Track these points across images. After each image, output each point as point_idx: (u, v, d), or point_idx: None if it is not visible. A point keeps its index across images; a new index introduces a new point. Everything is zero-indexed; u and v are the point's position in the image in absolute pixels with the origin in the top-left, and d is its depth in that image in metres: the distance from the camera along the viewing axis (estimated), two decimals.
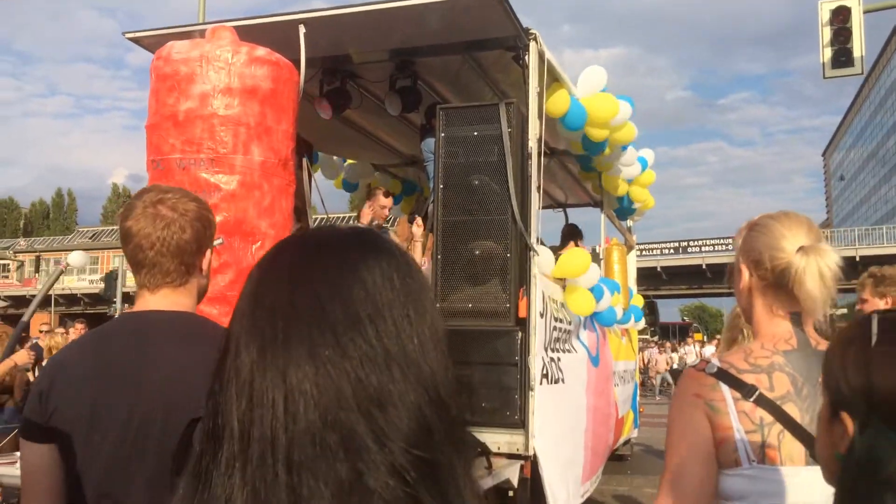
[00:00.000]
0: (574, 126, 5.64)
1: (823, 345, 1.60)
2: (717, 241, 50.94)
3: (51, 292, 51.25)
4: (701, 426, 1.53)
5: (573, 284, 5.45)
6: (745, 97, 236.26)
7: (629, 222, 9.25)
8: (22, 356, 6.03)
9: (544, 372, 4.91)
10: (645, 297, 9.94)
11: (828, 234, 53.88)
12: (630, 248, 9.06)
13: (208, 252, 1.72)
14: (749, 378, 1.54)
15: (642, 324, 8.79)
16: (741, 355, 1.62)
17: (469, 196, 4.94)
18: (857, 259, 43.86)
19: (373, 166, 8.15)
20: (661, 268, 47.34)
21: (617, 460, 9.18)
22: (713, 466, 1.53)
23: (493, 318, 4.83)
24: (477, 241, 4.92)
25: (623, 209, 8.18)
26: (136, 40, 4.88)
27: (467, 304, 4.89)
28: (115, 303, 21.33)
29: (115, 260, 56.28)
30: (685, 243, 52.94)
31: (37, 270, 60.74)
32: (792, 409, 1.52)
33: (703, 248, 51.09)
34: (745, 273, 1.67)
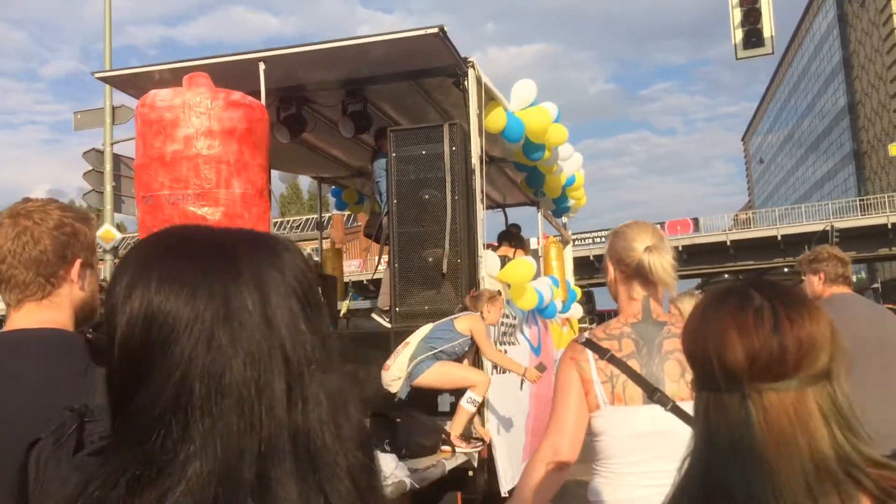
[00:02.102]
0: (513, 138, 6.22)
1: (664, 317, 2.18)
2: None
3: None
4: (574, 380, 2.11)
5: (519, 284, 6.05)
6: (666, 87, 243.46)
7: (564, 219, 9.92)
8: None
9: (493, 364, 5.48)
10: (581, 286, 10.65)
11: (750, 216, 56.16)
12: (566, 243, 9.74)
13: (77, 263, 1.60)
14: (605, 344, 2.11)
15: (581, 312, 9.47)
16: (602, 328, 2.20)
17: (420, 209, 5.49)
18: (779, 238, 45.83)
19: (318, 178, 8.64)
20: (594, 256, 48.20)
21: None
22: (584, 410, 2.09)
23: (447, 317, 5.39)
24: (429, 250, 5.47)
25: (559, 208, 8.85)
26: (104, 79, 5.26)
27: (424, 306, 5.44)
28: None
29: None
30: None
31: None
32: (634, 364, 2.06)
33: None
34: (611, 268, 2.25)
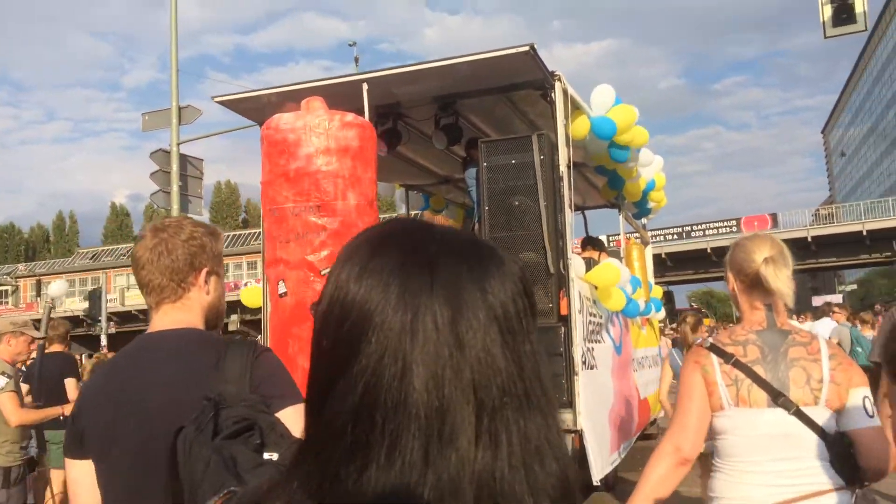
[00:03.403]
0: (605, 136, 6.44)
1: (787, 326, 2.28)
2: (721, 224, 49.81)
3: (53, 315, 48.11)
4: (698, 383, 2.25)
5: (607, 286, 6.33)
6: (739, 81, 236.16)
7: (644, 220, 10.09)
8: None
9: (583, 360, 5.77)
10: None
11: (833, 211, 54.17)
12: (646, 244, 9.91)
13: (204, 271, 1.81)
14: (730, 349, 2.23)
15: (662, 314, 9.61)
16: (727, 334, 2.33)
17: (510, 215, 5.83)
18: (865, 233, 43.97)
19: (406, 186, 9.08)
20: (666, 254, 45.36)
21: (644, 440, 9.92)
22: (706, 410, 2.23)
23: (538, 316, 5.69)
24: (519, 253, 5.80)
25: (640, 211, 9.04)
26: (223, 103, 5.79)
27: None
28: (99, 321, 20.12)
29: (118, 279, 55.15)
30: (688, 228, 51.88)
31: (38, 294, 57.63)
32: (759, 370, 2.18)
33: (706, 232, 49.39)
34: (732, 279, 2.36)
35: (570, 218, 5.86)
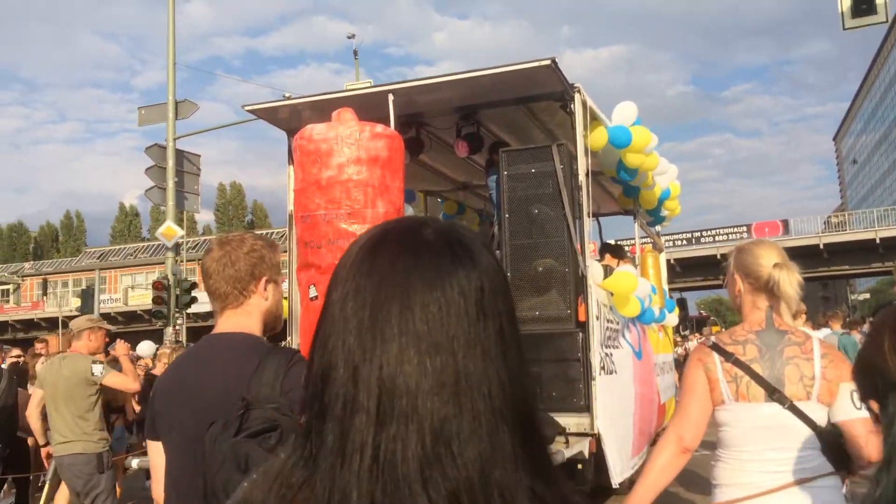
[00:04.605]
0: (621, 145, 6.55)
1: (784, 326, 2.44)
2: (731, 230, 48.99)
3: (58, 315, 43.84)
4: (701, 379, 2.43)
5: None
6: (748, 88, 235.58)
7: (658, 227, 10.21)
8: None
9: (601, 365, 5.91)
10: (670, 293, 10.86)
11: (844, 219, 53.91)
12: (660, 251, 10.03)
13: (263, 279, 2.01)
14: (730, 348, 2.41)
15: (676, 320, 9.73)
16: (728, 334, 2.51)
17: (530, 222, 5.98)
18: (878, 241, 43.66)
19: (425, 192, 9.25)
20: (675, 260, 43.44)
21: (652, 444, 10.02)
22: (708, 404, 2.42)
23: (557, 322, 5.86)
24: (539, 260, 5.95)
25: (655, 219, 9.17)
26: (253, 112, 5.97)
27: (535, 312, 5.92)
28: None
29: (124, 279, 55.14)
30: (698, 234, 51.23)
31: (44, 294, 58.69)
32: (757, 367, 2.36)
33: (716, 238, 48.63)
34: (739, 281, 2.54)
35: (589, 226, 6.01)
